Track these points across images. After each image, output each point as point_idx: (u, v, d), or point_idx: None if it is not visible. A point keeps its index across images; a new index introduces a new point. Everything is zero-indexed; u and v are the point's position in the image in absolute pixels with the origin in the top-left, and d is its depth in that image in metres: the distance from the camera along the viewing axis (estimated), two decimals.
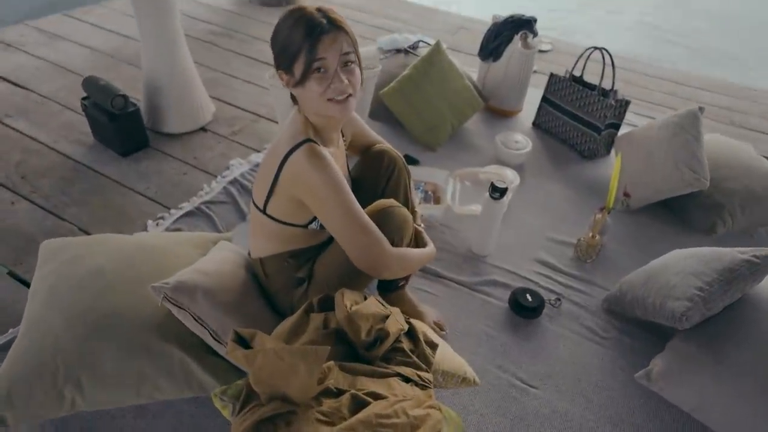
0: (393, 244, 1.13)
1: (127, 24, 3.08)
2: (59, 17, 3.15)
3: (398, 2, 3.98)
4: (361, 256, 1.08)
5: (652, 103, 2.78)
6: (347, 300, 1.02)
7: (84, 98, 2.00)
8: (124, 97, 1.92)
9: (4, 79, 2.46)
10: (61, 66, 2.61)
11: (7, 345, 1.29)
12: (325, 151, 1.05)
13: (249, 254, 1.32)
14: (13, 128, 2.12)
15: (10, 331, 1.34)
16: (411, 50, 2.30)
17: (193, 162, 2.02)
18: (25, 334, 1.14)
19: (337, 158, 1.19)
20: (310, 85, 1.01)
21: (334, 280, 1.18)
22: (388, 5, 3.87)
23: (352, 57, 1.04)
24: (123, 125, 1.94)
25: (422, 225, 1.41)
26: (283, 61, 1.02)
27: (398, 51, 2.31)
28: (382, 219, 1.12)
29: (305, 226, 1.16)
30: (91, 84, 1.96)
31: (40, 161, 1.96)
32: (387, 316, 1.04)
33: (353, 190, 1.31)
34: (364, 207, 1.15)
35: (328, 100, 1.03)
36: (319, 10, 1.01)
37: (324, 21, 0.99)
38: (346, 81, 1.02)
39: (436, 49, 2.13)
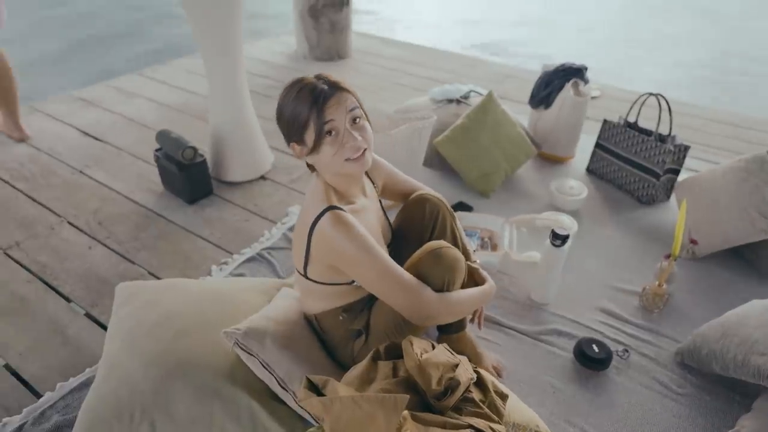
0: (445, 285, 1.12)
1: (192, 80, 3.32)
2: (131, 76, 3.43)
3: (446, 54, 4.11)
4: (405, 311, 1.08)
5: (710, 147, 2.71)
6: (417, 348, 1.02)
7: (157, 150, 2.14)
8: (194, 148, 2.05)
9: (85, 133, 2.67)
10: (134, 120, 2.82)
11: (84, 384, 1.34)
12: (348, 216, 1.06)
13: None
14: (92, 178, 2.29)
15: (87, 370, 1.40)
16: (463, 100, 2.36)
17: (253, 209, 2.11)
18: (105, 376, 1.19)
19: (368, 209, 1.21)
20: (325, 149, 1.04)
21: (392, 328, 1.19)
22: (437, 57, 4.01)
23: (359, 113, 1.07)
24: (191, 175, 2.06)
25: (477, 261, 1.40)
26: (294, 132, 1.06)
27: (450, 101, 2.37)
28: (431, 261, 1.12)
29: (350, 283, 1.17)
30: (164, 136, 2.10)
31: (115, 208, 2.09)
32: (457, 365, 1.03)
33: (397, 240, 1.34)
34: (410, 255, 1.16)
35: (345, 160, 1.06)
36: (317, 77, 1.06)
37: (325, 87, 1.04)
38: (359, 137, 1.05)
39: (489, 98, 2.18)
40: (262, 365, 1.17)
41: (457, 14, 6.77)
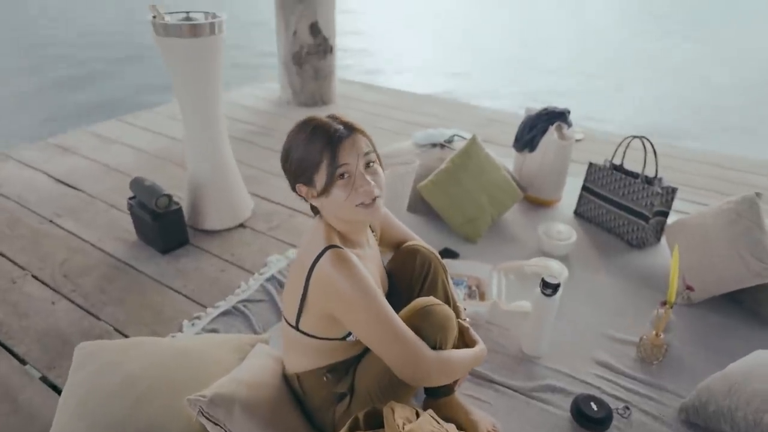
0: (436, 345, 1.04)
1: (174, 126, 3.28)
2: (113, 122, 3.39)
3: (429, 98, 4.16)
4: (399, 367, 1.00)
5: (695, 188, 2.70)
6: (399, 417, 0.92)
7: (130, 198, 2.05)
8: (169, 196, 1.97)
9: (58, 180, 2.59)
10: (111, 167, 2.75)
11: None
12: (352, 255, 0.99)
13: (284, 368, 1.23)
14: (61, 227, 2.19)
15: None
16: (447, 144, 2.33)
17: (230, 259, 2.01)
18: None
19: (369, 259, 1.14)
20: (336, 193, 0.98)
21: (377, 391, 1.09)
22: (420, 102, 4.04)
23: (373, 157, 1.02)
24: (165, 224, 1.97)
25: (467, 319, 1.32)
26: (302, 173, 1.00)
27: (434, 145, 2.34)
28: (422, 319, 1.04)
29: (343, 339, 1.08)
30: (137, 184, 2.02)
31: (83, 259, 1.98)
32: None
33: (387, 292, 1.26)
34: (398, 310, 1.08)
35: (357, 205, 0.99)
36: (331, 117, 1.01)
37: (341, 127, 0.98)
38: (372, 182, 0.99)
39: (473, 142, 2.15)
40: None
41: (440, 65, 6.93)
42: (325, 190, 0.98)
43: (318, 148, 0.97)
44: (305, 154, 0.98)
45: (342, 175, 0.98)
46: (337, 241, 1.03)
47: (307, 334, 1.08)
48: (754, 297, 1.72)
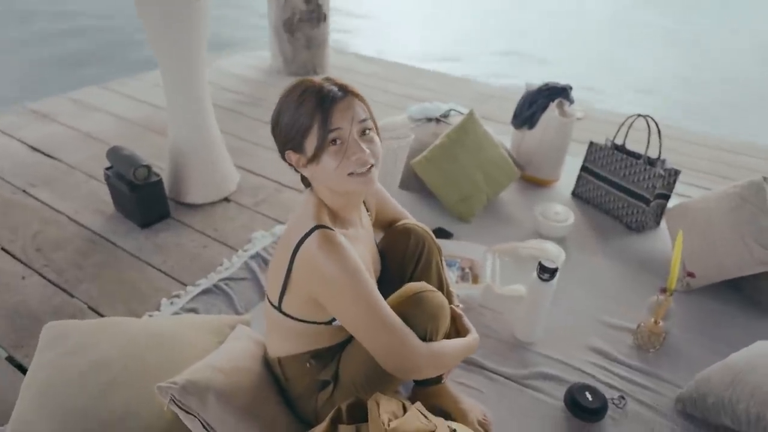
0: (427, 335, 0.97)
1: (159, 94, 3.13)
2: (95, 89, 3.23)
3: (427, 72, 4.01)
4: (385, 358, 0.93)
5: (697, 171, 2.62)
6: (384, 412, 0.85)
7: (107, 168, 1.95)
8: (148, 167, 1.86)
9: (34, 149, 2.46)
10: (91, 136, 2.62)
11: None
12: (341, 237, 0.91)
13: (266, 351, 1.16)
14: (36, 198, 2.08)
15: (1, 428, 1.18)
16: (443, 119, 2.23)
17: (213, 234, 1.92)
18: None
19: (361, 239, 1.06)
20: (326, 160, 0.89)
21: (362, 380, 1.02)
22: (416, 75, 3.90)
23: (370, 124, 0.93)
24: (144, 196, 1.87)
25: (460, 306, 1.25)
26: (292, 139, 0.91)
27: (429, 120, 2.24)
28: (413, 307, 0.97)
29: (328, 323, 1.01)
30: (115, 154, 1.91)
31: (58, 232, 1.88)
32: None
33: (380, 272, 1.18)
34: (390, 294, 1.01)
35: (349, 174, 0.91)
36: (326, 79, 0.92)
37: (335, 88, 0.90)
38: (367, 150, 0.91)
39: (470, 117, 2.05)
40: (204, 426, 0.99)
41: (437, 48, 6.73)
42: (315, 156, 0.90)
43: (309, 111, 0.88)
44: (295, 117, 0.90)
45: (334, 141, 0.89)
46: (326, 220, 0.94)
47: (290, 316, 1.01)
48: (755, 285, 1.67)
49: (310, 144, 0.89)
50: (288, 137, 0.92)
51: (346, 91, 0.91)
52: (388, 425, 0.82)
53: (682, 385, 1.35)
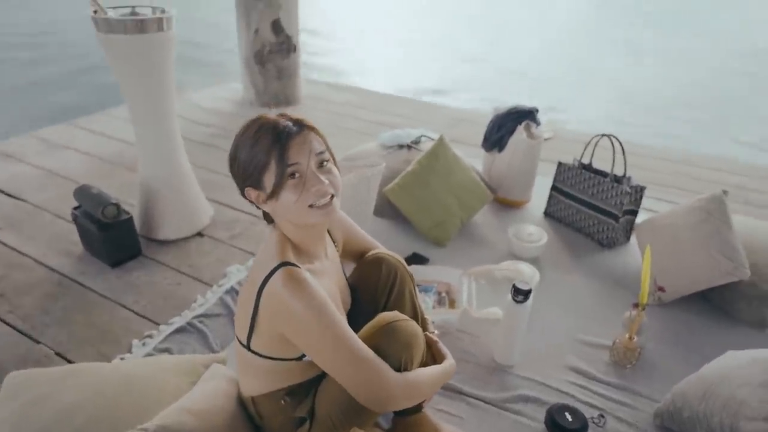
0: (402, 365, 0.96)
1: (128, 130, 3.10)
2: (63, 126, 3.19)
3: (396, 99, 4.08)
4: (359, 391, 0.92)
5: (661, 186, 2.70)
6: None
7: (75, 208, 1.91)
8: (117, 205, 1.83)
9: None
10: (59, 174, 2.57)
11: None
12: (305, 273, 0.91)
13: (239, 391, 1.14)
14: (0, 241, 2.02)
15: None
16: (414, 145, 2.26)
17: (187, 270, 1.89)
18: None
19: (328, 273, 1.05)
20: (285, 195, 0.90)
21: (338, 415, 1.00)
22: (388, 102, 3.96)
23: (327, 156, 0.94)
24: (113, 235, 1.83)
25: (436, 332, 1.24)
26: (250, 176, 0.92)
27: (400, 146, 2.27)
28: (386, 337, 0.96)
29: (299, 359, 1.00)
30: (82, 193, 1.88)
31: (24, 276, 1.82)
32: None
33: (351, 305, 1.17)
34: (363, 325, 1.00)
35: (309, 206, 0.91)
36: (280, 115, 0.93)
37: (290, 123, 0.91)
38: (326, 181, 0.92)
39: (440, 142, 2.08)
40: None
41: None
42: (275, 192, 0.90)
43: (265, 148, 0.89)
44: (252, 155, 0.90)
45: (293, 175, 0.90)
46: (290, 256, 0.94)
47: (260, 355, 0.99)
48: (722, 295, 1.71)
49: (269, 180, 0.90)
50: (246, 174, 0.92)
51: (301, 125, 0.92)
52: None
53: (660, 399, 1.36)
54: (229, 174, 0.97)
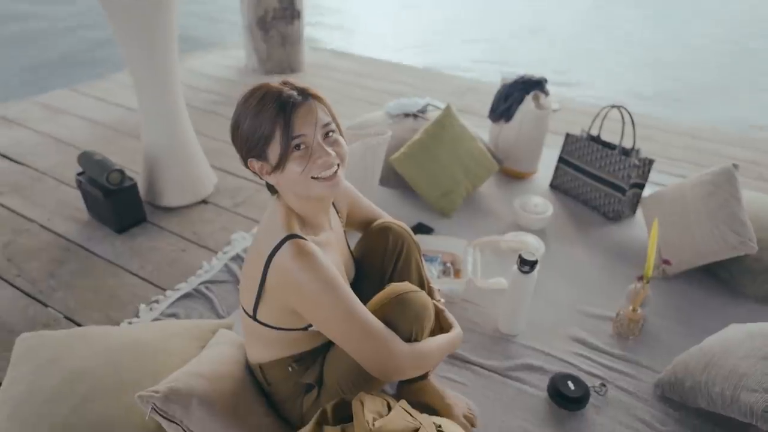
0: (412, 336, 0.97)
1: (131, 96, 3.06)
2: (64, 92, 3.15)
3: (404, 67, 4.01)
4: (368, 363, 0.92)
5: (672, 159, 2.67)
6: (368, 412, 0.85)
7: (79, 173, 1.90)
8: (121, 171, 1.82)
9: (1, 155, 2.39)
10: (62, 140, 2.55)
11: None
12: (314, 247, 0.89)
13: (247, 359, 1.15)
14: (5, 206, 2.02)
15: None
16: (420, 114, 2.23)
17: (192, 237, 1.89)
18: None
19: (333, 244, 1.04)
20: (291, 166, 0.87)
21: (347, 382, 1.01)
22: (394, 70, 3.89)
23: (333, 126, 0.91)
24: (118, 201, 1.83)
25: (442, 300, 1.25)
26: (254, 147, 0.88)
27: (407, 115, 2.24)
28: (397, 309, 0.96)
29: (305, 329, 1.00)
30: (86, 159, 1.87)
31: (30, 241, 1.83)
32: (416, 430, 0.86)
33: (357, 275, 1.17)
34: (371, 295, 1.00)
35: (313, 178, 0.89)
36: (284, 83, 0.89)
37: (294, 92, 0.87)
38: (332, 152, 0.89)
39: (447, 112, 2.05)
40: None
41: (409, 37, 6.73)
42: (280, 164, 0.87)
43: (269, 118, 0.85)
44: (255, 126, 0.87)
45: (298, 146, 0.87)
46: (297, 228, 0.92)
47: (267, 325, 0.99)
48: (728, 269, 1.71)
49: (273, 152, 0.87)
50: (249, 146, 0.89)
51: (306, 94, 0.88)
52: (373, 425, 0.82)
53: (661, 370, 1.38)
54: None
